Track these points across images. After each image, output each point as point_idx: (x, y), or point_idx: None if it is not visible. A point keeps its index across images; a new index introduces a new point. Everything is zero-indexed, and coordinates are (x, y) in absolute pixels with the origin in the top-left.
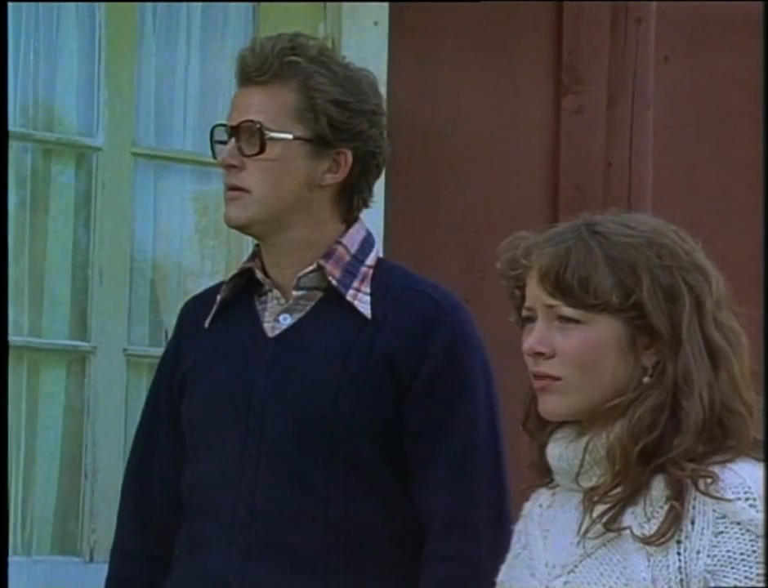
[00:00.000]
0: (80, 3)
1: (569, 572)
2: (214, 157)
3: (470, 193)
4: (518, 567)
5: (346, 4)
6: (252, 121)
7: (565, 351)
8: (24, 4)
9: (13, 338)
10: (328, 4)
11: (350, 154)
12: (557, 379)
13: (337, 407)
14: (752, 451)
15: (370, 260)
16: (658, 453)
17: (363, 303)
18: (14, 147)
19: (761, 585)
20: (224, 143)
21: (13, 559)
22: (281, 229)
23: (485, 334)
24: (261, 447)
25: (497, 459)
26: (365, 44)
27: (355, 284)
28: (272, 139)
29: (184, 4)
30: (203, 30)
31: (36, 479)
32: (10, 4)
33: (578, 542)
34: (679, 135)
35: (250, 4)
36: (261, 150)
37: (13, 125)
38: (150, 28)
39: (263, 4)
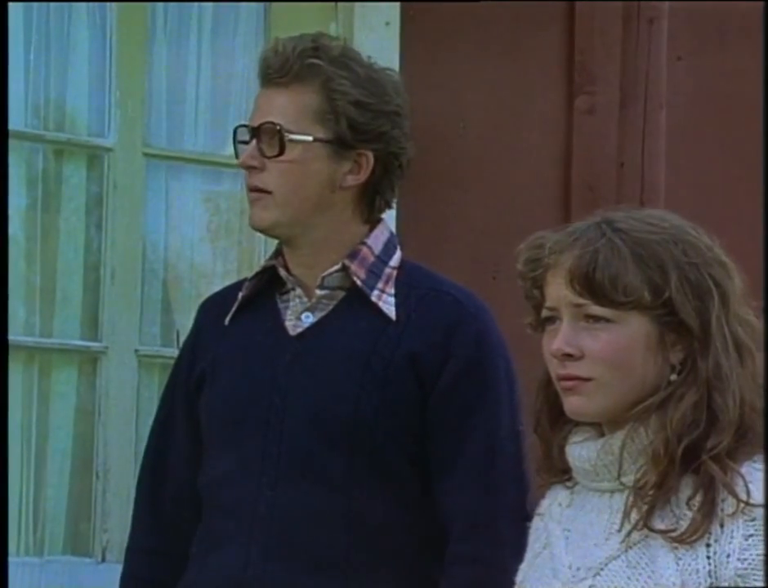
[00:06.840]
0: (91, 3)
1: (594, 575)
2: (236, 156)
3: (481, 193)
4: (539, 567)
5: (357, 4)
6: (272, 122)
7: (595, 351)
8: (35, 4)
9: (24, 339)
10: (340, 4)
11: (371, 156)
12: (588, 379)
13: (359, 408)
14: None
15: (394, 261)
16: (696, 452)
17: (387, 304)
18: (25, 147)
19: None
20: (246, 143)
21: (25, 560)
22: (304, 231)
23: None
24: (281, 446)
25: (520, 460)
26: (376, 44)
27: (380, 285)
28: (292, 141)
29: (195, 4)
30: (214, 30)
31: (47, 480)
32: (21, 4)
33: (606, 541)
34: (692, 135)
35: (261, 4)
36: (281, 152)
37: (24, 125)
38: (162, 29)
39: (274, 4)
